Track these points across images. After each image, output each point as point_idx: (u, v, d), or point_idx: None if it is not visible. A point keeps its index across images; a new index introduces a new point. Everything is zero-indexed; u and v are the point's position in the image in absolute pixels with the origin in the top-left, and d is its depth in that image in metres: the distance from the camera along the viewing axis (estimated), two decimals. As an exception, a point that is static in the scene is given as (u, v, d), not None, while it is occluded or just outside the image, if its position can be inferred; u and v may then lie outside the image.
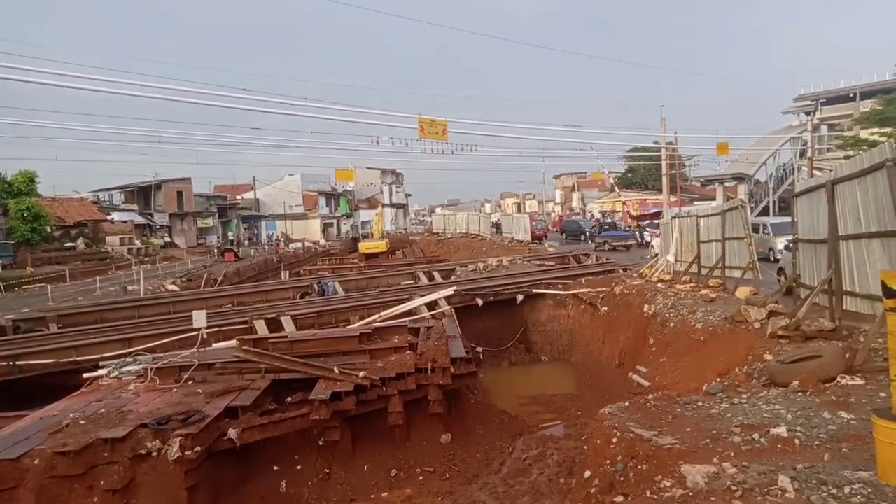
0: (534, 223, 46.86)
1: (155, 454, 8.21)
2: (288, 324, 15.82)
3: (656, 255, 29.64)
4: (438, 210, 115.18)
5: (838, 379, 6.35)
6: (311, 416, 9.97)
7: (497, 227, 51.30)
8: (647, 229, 37.88)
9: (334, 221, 75.63)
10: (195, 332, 12.49)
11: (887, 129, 43.20)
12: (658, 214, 45.74)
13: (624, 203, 71.54)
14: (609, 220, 49.87)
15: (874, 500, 3.64)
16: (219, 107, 19.16)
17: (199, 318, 12.44)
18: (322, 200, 73.02)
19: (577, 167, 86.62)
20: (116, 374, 11.81)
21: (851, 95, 59.69)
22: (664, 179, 41.57)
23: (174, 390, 10.64)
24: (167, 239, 54.37)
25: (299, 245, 55.02)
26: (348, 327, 15.32)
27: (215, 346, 13.85)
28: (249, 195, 69.23)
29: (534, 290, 20.79)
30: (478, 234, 50.19)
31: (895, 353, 3.63)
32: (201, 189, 63.10)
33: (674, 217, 21.15)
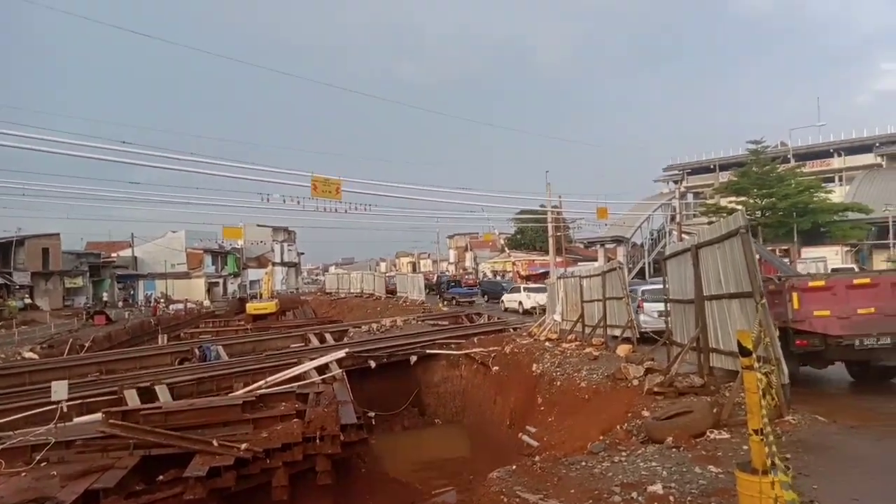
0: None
1: (-7, 551, 7.15)
2: (163, 393, 14.66)
3: (506, 309, 34.65)
4: (332, 269, 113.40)
5: (708, 433, 6.73)
6: (184, 495, 9.16)
7: (391, 290, 49.70)
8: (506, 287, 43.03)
9: (220, 281, 72.15)
10: (54, 406, 11.25)
11: (742, 198, 48.30)
12: (545, 275, 47.63)
13: (514, 263, 74.09)
14: (455, 280, 54.78)
15: (740, 553, 3.81)
16: (96, 159, 18.01)
17: (60, 390, 11.27)
18: (208, 259, 69.68)
19: (469, 228, 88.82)
20: (-49, 457, 10.30)
21: (712, 167, 66.49)
22: (550, 241, 43.66)
23: (23, 474, 9.42)
24: (28, 300, 49.33)
25: (180, 306, 51.82)
26: (230, 395, 14.41)
27: (77, 420, 12.51)
28: (127, 252, 64.80)
29: (427, 351, 20.73)
30: (372, 294, 49.74)
31: (752, 409, 3.90)
32: (72, 246, 58.17)
33: (559, 277, 22.09)
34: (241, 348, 23.61)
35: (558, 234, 46.46)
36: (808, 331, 8.99)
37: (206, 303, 59.29)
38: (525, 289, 35.35)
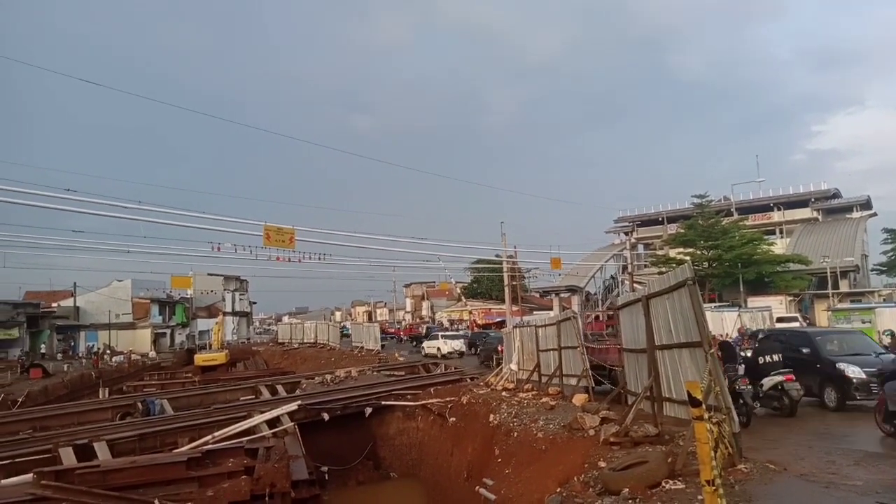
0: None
1: None
2: (102, 450, 13.87)
3: (425, 354, 37.11)
4: (286, 318, 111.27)
5: (663, 483, 6.72)
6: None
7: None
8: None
9: (168, 331, 69.68)
10: (-22, 467, 10.50)
11: (690, 250, 49.96)
12: (502, 323, 47.80)
13: (470, 312, 74.14)
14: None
15: None
16: (39, 207, 17.43)
17: (-14, 450, 10.51)
18: (155, 308, 67.34)
19: (426, 277, 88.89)
20: None
21: (660, 219, 68.77)
22: (506, 290, 43.97)
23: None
24: (-44, 353, 46.48)
25: (124, 358, 49.72)
26: (175, 451, 13.77)
27: (4, 482, 11.69)
28: (69, 302, 62.11)
29: (383, 402, 20.31)
30: (326, 344, 48.84)
31: (704, 459, 3.94)
32: (8, 295, 55.42)
33: (515, 327, 22.17)
34: (188, 401, 22.71)
35: (514, 283, 46.90)
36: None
37: (152, 354, 57.09)
38: (442, 336, 40.98)
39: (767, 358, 11.82)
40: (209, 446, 14.03)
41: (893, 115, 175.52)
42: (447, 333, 43.19)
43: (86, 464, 12.21)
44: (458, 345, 38.16)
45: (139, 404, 21.01)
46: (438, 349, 37.69)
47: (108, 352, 53.96)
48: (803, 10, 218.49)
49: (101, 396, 27.83)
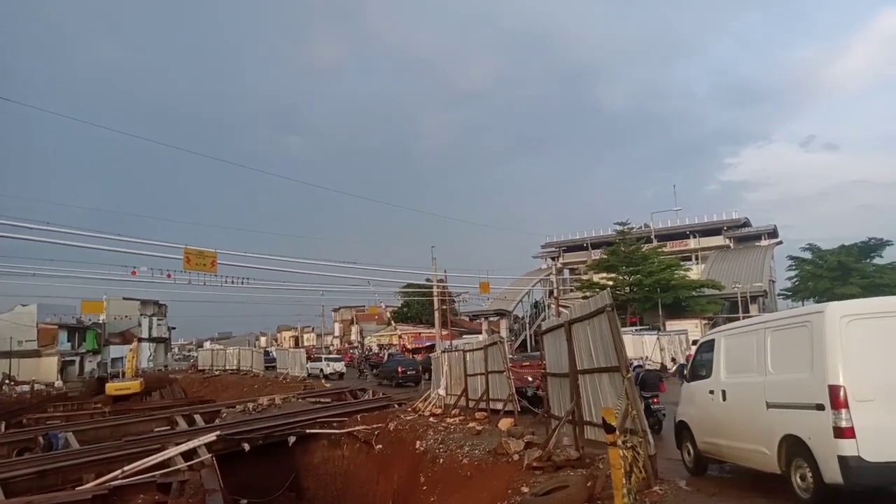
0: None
1: None
2: (-6, 491, 12.78)
3: (309, 374, 39.09)
4: (207, 344, 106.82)
5: (583, 507, 6.84)
6: None
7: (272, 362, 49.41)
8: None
9: (77, 359, 65.35)
10: None
11: (613, 275, 51.79)
12: (432, 347, 47.76)
13: (400, 336, 73.67)
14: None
15: None
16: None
17: None
18: (63, 335, 63.10)
19: (355, 301, 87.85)
20: None
21: (585, 245, 71.03)
22: (436, 314, 44.07)
23: None
24: None
25: (26, 388, 46.24)
26: (78, 489, 12.84)
27: None
28: (-38, 329, 57.29)
29: (307, 431, 19.75)
30: (250, 371, 47.19)
31: (617, 485, 4.04)
32: None
33: (443, 351, 22.17)
34: (97, 434, 21.31)
35: (444, 307, 47.05)
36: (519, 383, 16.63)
37: (58, 383, 53.31)
38: (325, 358, 46.56)
39: None
40: (118, 482, 13.16)
41: (795, 151, 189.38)
42: (330, 356, 49.41)
43: (-25, 506, 11.21)
44: (340, 366, 43.82)
45: (40, 438, 19.53)
46: (321, 370, 42.25)
47: (9, 381, 50.01)
48: (717, 50, 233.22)
49: (-4, 431, 25.70)
